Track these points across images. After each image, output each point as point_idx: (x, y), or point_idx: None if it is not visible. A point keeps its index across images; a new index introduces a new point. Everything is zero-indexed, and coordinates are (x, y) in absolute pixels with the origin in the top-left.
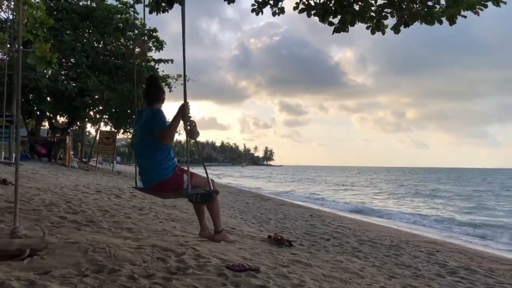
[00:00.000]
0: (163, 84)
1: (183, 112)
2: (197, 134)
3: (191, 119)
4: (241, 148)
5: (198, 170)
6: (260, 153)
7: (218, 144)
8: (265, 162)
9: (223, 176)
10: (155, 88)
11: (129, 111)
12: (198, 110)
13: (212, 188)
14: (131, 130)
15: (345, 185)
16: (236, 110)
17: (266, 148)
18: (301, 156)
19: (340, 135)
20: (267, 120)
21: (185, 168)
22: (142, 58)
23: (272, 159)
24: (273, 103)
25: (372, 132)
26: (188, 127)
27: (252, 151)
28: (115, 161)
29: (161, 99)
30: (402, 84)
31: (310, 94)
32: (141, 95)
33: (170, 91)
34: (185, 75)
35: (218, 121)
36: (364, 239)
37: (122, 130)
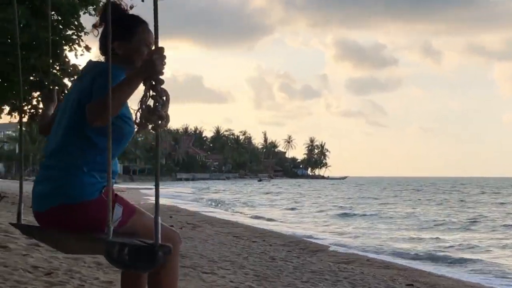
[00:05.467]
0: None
1: (150, 69)
2: (166, 119)
3: (162, 86)
4: (257, 141)
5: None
6: (298, 152)
7: (208, 134)
8: (309, 171)
9: None
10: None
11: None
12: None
13: (159, 239)
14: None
15: None
16: (244, 60)
17: (311, 140)
18: (384, 157)
19: (469, 108)
20: (311, 80)
21: (122, 196)
22: None
23: (325, 164)
24: (322, 42)
25: None
26: (151, 104)
27: (281, 148)
28: None
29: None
30: None
31: (401, 21)
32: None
33: None
34: None
35: (205, 83)
36: None
37: (5, 111)
